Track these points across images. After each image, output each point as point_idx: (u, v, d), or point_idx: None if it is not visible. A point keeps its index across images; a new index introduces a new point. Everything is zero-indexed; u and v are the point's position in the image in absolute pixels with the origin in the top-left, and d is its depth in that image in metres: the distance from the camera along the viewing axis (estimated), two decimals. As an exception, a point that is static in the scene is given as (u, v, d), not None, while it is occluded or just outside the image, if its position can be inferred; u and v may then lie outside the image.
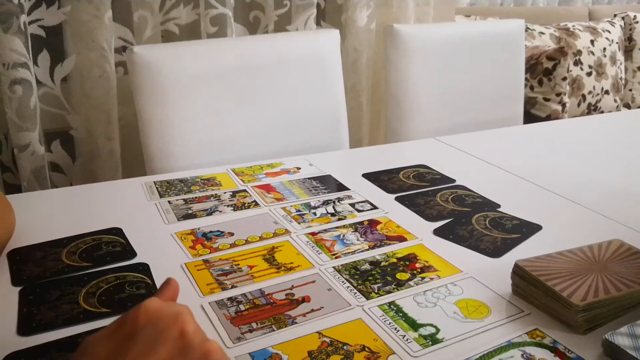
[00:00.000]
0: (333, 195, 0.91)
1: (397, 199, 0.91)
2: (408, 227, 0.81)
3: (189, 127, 1.15)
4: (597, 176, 1.02)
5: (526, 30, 2.13)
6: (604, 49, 2.34)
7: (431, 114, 1.48)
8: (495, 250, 0.75)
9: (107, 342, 0.38)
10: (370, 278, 0.67)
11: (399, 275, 0.68)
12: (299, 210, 0.85)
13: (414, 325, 0.59)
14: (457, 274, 0.69)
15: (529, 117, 2.06)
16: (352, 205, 0.88)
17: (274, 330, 0.58)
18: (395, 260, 0.72)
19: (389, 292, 0.65)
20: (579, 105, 2.28)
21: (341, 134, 1.34)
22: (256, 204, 0.87)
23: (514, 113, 1.64)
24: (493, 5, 2.65)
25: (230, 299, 0.63)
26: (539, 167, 1.06)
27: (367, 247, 0.75)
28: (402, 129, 1.45)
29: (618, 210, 0.88)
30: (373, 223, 0.82)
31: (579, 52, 2.27)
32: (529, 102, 2.08)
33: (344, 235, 0.78)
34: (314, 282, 0.67)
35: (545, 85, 2.07)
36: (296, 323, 0.59)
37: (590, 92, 2.30)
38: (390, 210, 0.87)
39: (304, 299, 0.63)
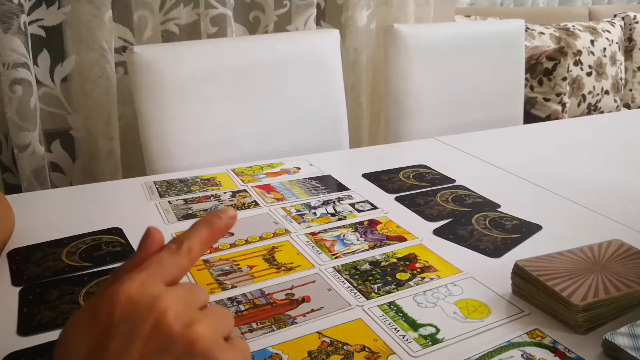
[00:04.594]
0: (333, 195, 0.91)
1: (397, 199, 0.91)
2: (408, 227, 0.81)
3: (189, 127, 1.15)
4: (597, 176, 1.02)
5: (526, 30, 2.13)
6: (604, 49, 2.34)
7: (431, 114, 1.48)
8: (495, 250, 0.75)
9: (84, 337, 0.35)
10: (370, 278, 0.67)
11: (399, 275, 0.68)
12: (299, 210, 0.85)
13: (414, 325, 0.59)
14: (457, 274, 0.69)
15: (529, 117, 2.06)
16: (352, 205, 0.88)
17: (274, 330, 0.58)
18: (395, 260, 0.72)
19: (389, 292, 0.65)
20: (579, 105, 2.28)
21: (341, 134, 1.34)
22: (256, 204, 0.87)
23: (514, 113, 1.64)
24: (493, 5, 2.66)
25: (230, 299, 0.63)
26: (539, 167, 1.06)
27: (367, 247, 0.75)
28: (402, 129, 1.45)
29: (618, 210, 0.88)
30: (373, 223, 0.82)
31: (579, 52, 2.27)
32: (529, 102, 2.08)
33: (344, 235, 0.78)
34: (314, 282, 0.67)
35: (545, 85, 2.07)
36: (296, 323, 0.59)
37: (590, 92, 2.30)
38: (390, 210, 0.87)
39: (304, 299, 0.63)
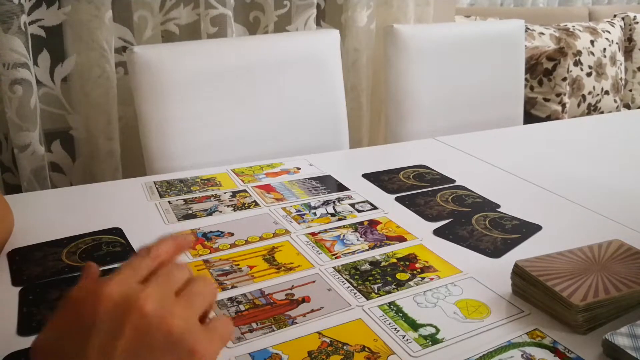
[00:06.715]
0: (333, 196, 0.91)
1: (397, 199, 0.91)
2: (408, 228, 0.81)
3: (189, 127, 1.15)
4: (597, 176, 1.02)
5: (526, 31, 2.13)
6: (604, 49, 2.34)
7: (431, 114, 1.48)
8: (495, 251, 0.75)
9: (66, 336, 0.36)
10: (370, 278, 0.67)
11: (399, 276, 0.68)
12: (299, 211, 0.85)
13: (414, 325, 0.59)
14: (457, 274, 0.69)
15: (529, 117, 2.06)
16: (352, 205, 0.88)
17: (274, 330, 0.58)
18: (395, 260, 0.72)
19: (389, 292, 0.65)
20: (579, 105, 2.28)
21: (341, 134, 1.34)
22: (256, 204, 0.87)
23: (514, 113, 1.64)
24: (493, 5, 2.66)
25: (230, 299, 0.63)
26: (539, 167, 1.06)
27: (367, 248, 0.75)
28: (402, 129, 1.45)
29: (618, 210, 0.88)
30: (373, 223, 0.82)
31: (579, 53, 2.27)
32: (529, 102, 2.08)
33: (344, 236, 0.78)
34: (314, 282, 0.67)
35: (545, 85, 2.07)
36: (296, 323, 0.59)
37: (590, 93, 2.30)
38: (390, 210, 0.87)
39: (304, 299, 0.63)
